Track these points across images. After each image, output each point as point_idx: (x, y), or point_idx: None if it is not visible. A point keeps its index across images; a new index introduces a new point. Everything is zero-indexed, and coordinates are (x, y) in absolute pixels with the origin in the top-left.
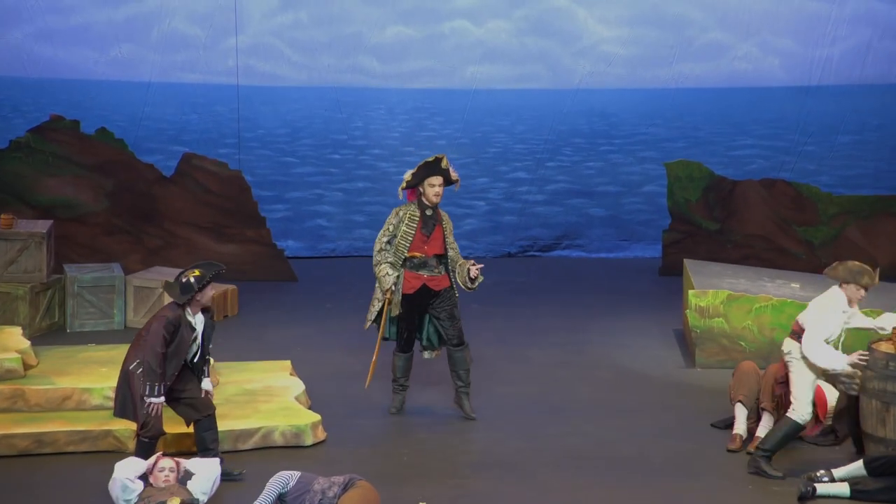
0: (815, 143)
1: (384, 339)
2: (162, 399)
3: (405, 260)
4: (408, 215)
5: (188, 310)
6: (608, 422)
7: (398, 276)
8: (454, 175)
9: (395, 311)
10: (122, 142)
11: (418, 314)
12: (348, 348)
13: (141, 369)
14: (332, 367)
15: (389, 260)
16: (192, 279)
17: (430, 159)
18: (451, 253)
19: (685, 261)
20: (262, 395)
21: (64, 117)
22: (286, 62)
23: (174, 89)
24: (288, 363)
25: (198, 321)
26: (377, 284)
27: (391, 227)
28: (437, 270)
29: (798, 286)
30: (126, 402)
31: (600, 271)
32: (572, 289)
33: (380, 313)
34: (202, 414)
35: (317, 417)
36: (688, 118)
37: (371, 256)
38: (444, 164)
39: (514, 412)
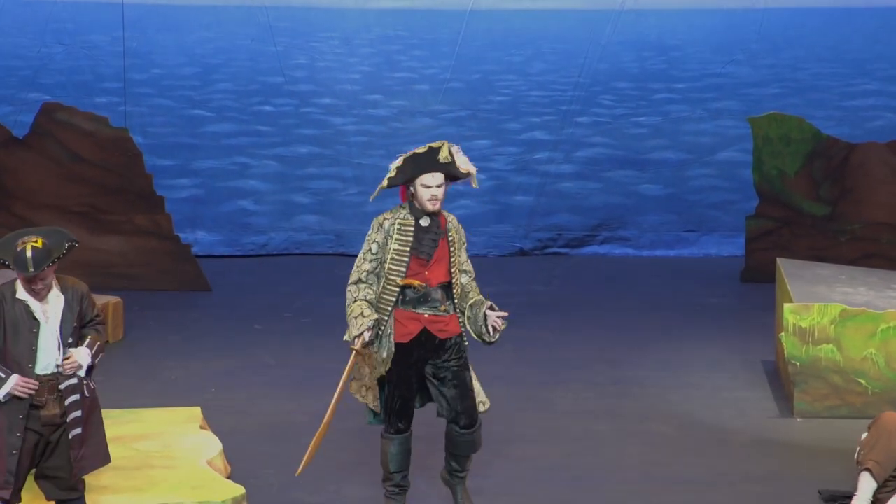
0: None
1: (370, 423)
2: (13, 378)
3: (399, 292)
4: (396, 226)
5: (17, 287)
6: (667, 498)
7: (383, 322)
8: (464, 167)
9: (380, 371)
10: None
11: (417, 374)
12: (285, 390)
13: None
14: (261, 418)
15: (370, 297)
16: (29, 254)
17: (422, 149)
18: (463, 280)
19: (779, 261)
20: (159, 457)
21: None
22: None
23: (29, 9)
24: (197, 411)
25: (50, 300)
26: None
27: (374, 248)
28: (442, 308)
29: None
30: None
31: (655, 276)
32: (614, 302)
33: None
34: (66, 495)
35: (240, 490)
36: (783, 53)
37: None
38: (442, 155)
39: (531, 483)
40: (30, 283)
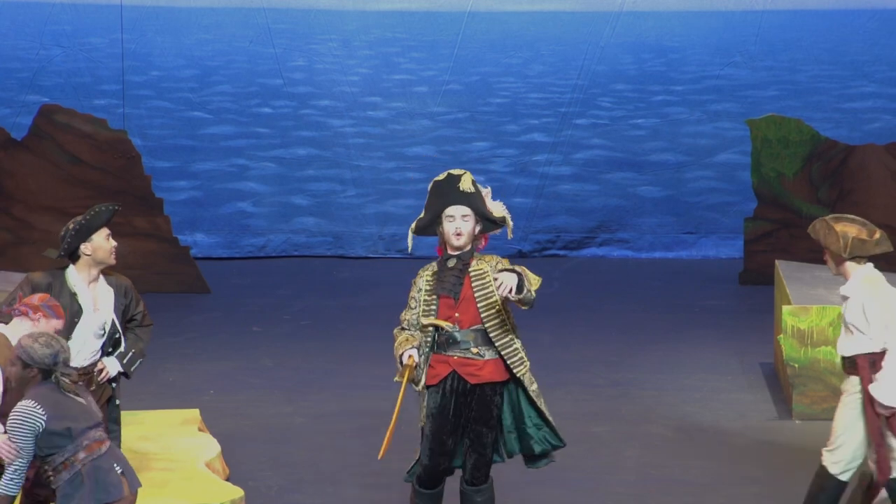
0: None
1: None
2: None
3: (432, 336)
4: (426, 278)
5: (72, 272)
6: (665, 500)
7: (426, 353)
8: (497, 210)
9: (420, 384)
10: None
11: (453, 421)
12: (284, 392)
13: None
14: (260, 420)
15: (416, 335)
16: (71, 225)
17: (441, 176)
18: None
19: (778, 263)
20: (157, 458)
21: None
22: None
23: (28, 11)
24: (196, 413)
25: (99, 291)
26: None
27: (412, 303)
28: (475, 352)
29: None
30: None
31: (653, 278)
32: (613, 304)
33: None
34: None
35: (238, 493)
36: (782, 55)
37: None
38: (464, 185)
39: (529, 485)
40: (77, 254)
